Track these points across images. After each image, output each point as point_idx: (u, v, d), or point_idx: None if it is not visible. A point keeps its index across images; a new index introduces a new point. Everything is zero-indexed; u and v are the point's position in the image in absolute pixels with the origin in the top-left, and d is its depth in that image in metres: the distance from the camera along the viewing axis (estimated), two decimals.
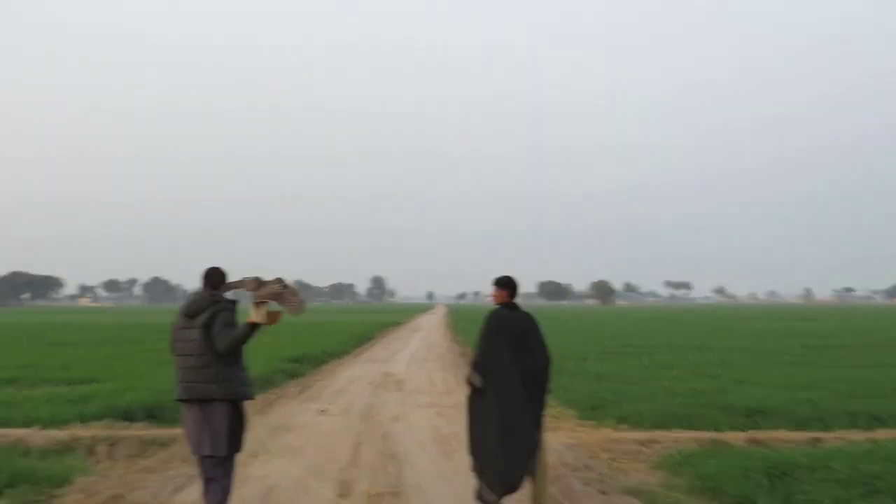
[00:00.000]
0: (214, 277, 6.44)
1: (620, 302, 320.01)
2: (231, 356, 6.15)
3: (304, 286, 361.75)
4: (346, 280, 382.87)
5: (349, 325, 53.84)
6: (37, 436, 10.03)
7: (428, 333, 44.32)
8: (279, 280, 6.48)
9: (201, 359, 6.11)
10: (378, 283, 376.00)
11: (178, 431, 10.41)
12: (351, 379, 18.42)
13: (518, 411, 6.38)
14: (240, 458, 6.72)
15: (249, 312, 6.20)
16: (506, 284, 6.80)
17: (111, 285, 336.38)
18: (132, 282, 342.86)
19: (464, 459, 7.06)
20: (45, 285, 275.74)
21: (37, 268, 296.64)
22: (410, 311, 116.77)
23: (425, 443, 10.11)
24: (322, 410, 12.98)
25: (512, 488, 6.33)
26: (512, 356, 6.46)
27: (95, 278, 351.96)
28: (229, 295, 6.54)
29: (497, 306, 6.77)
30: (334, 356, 25.43)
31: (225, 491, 6.26)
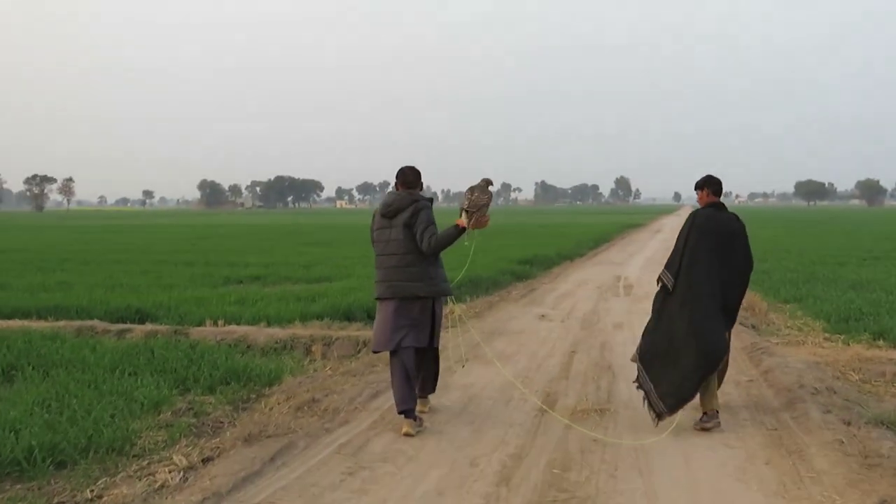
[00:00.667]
0: (408, 176, 6.48)
1: (891, 203, 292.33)
2: (433, 255, 6.25)
3: (547, 188, 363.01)
4: (590, 181, 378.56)
5: (587, 226, 53.00)
6: (261, 333, 10.33)
7: (670, 235, 42.38)
8: (488, 183, 6.56)
9: (405, 258, 6.21)
10: (622, 184, 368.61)
11: None
12: (579, 282, 17.80)
13: (707, 316, 6.21)
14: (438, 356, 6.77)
15: (461, 215, 6.32)
16: (704, 184, 6.58)
17: (365, 188, 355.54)
18: (384, 184, 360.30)
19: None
20: (307, 188, 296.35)
21: (300, 172, 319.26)
22: (654, 213, 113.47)
23: None
24: (542, 315, 12.50)
25: (684, 400, 6.18)
26: (710, 258, 6.28)
27: (351, 181, 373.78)
28: (426, 193, 6.55)
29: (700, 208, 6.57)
30: (567, 258, 24.87)
31: (428, 379, 6.62)
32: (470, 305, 13.10)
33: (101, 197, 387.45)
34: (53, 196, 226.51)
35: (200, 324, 11.17)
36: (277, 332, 10.38)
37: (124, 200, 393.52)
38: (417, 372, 6.53)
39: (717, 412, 6.33)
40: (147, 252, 27.47)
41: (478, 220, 6.31)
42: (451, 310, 9.70)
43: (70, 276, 17.75)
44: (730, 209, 6.63)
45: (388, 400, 6.96)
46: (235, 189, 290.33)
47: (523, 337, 10.59)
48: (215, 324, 11.12)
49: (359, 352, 9.73)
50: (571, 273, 20.30)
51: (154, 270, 19.48)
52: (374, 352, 7.03)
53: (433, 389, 6.87)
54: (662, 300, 6.44)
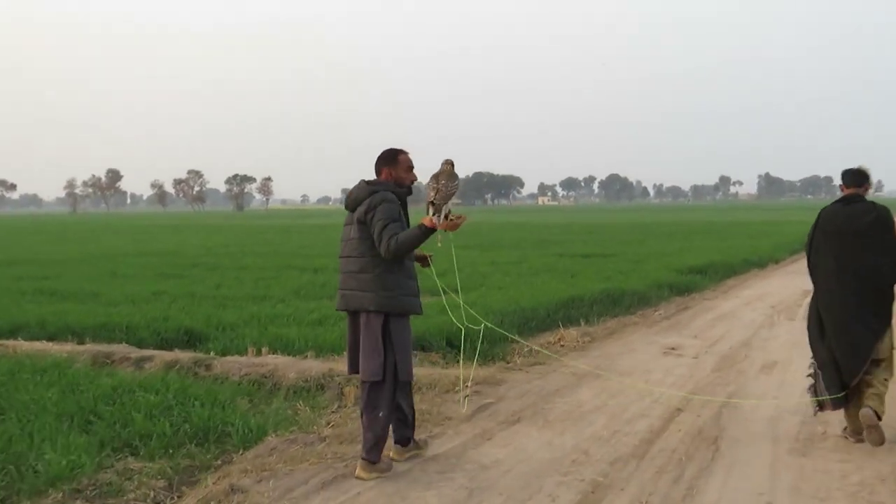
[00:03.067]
0: (379, 163, 5.70)
1: None
2: (395, 260, 5.44)
3: (772, 181, 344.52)
4: (822, 172, 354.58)
5: (802, 224, 48.37)
6: (293, 367, 8.82)
7: None
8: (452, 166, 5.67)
9: (358, 262, 5.51)
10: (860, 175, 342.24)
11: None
12: (752, 298, 15.17)
13: (845, 318, 6.11)
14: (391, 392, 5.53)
15: (427, 211, 5.43)
16: (845, 175, 6.45)
17: (569, 183, 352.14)
18: (590, 179, 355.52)
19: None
20: (507, 185, 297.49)
21: (499, 168, 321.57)
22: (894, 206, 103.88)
23: (780, 434, 6.90)
24: (671, 348, 10.19)
25: (841, 388, 6.14)
26: (839, 255, 6.15)
27: (555, 177, 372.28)
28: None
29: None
30: (756, 265, 21.91)
31: (370, 428, 5.53)
32: (582, 331, 10.98)
33: (304, 195, 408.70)
34: (256, 195, 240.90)
35: (243, 351, 9.84)
36: (313, 367, 8.82)
37: (326, 199, 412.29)
38: (368, 409, 5.60)
39: (879, 419, 6.01)
40: (290, 255, 27.03)
41: (451, 222, 5.38)
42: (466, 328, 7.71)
43: (174, 286, 17.17)
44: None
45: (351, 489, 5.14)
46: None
47: (625, 383, 8.39)
48: (258, 352, 9.75)
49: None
50: (750, 285, 17.62)
51: (272, 278, 18.65)
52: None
53: (406, 441, 5.90)
54: (812, 302, 6.47)
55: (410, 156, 5.76)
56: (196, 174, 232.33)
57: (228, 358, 9.42)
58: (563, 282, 16.21)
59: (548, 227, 52.09)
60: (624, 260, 22.11)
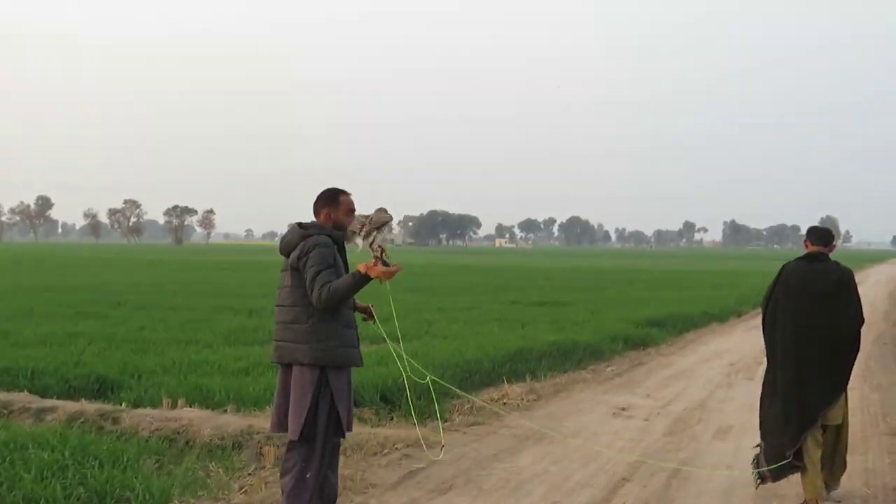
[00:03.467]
0: (318, 203, 5.62)
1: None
2: (328, 309, 5.29)
3: (738, 228, 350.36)
4: (789, 221, 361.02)
5: (768, 275, 48.91)
6: (210, 422, 8.49)
7: (871, 290, 38.00)
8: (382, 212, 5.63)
9: (291, 311, 5.40)
10: (830, 225, 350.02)
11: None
12: (710, 355, 15.15)
13: (800, 377, 6.16)
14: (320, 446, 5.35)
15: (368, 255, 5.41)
16: (811, 233, 6.55)
17: (528, 225, 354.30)
18: (550, 221, 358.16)
19: None
20: (463, 224, 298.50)
21: (455, 207, 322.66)
22: (861, 260, 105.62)
23: None
24: (622, 409, 10.02)
25: (782, 456, 6.17)
26: (798, 314, 6.20)
27: (513, 218, 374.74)
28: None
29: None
30: (717, 318, 21.98)
31: (295, 495, 5.34)
32: (528, 388, 10.79)
33: (249, 230, 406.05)
34: (197, 229, 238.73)
35: (157, 402, 9.48)
36: (231, 422, 8.50)
37: (272, 234, 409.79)
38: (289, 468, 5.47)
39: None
40: (225, 295, 26.56)
41: (386, 270, 5.26)
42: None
43: (93, 326, 16.69)
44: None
45: None
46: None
47: (569, 447, 8.18)
48: (174, 404, 9.39)
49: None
50: (709, 340, 17.65)
51: (203, 320, 18.23)
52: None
53: None
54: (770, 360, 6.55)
55: (353, 197, 5.65)
56: (133, 204, 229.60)
57: (140, 410, 9.05)
58: (512, 332, 16.06)
59: (504, 272, 52.12)
60: (580, 309, 22.07)
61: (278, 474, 5.78)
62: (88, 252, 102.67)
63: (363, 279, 5.19)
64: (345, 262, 5.52)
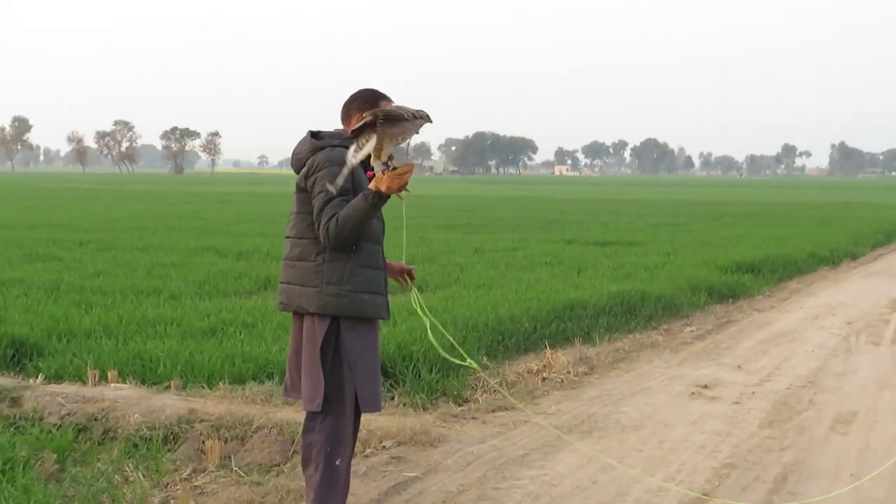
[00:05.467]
0: (350, 106, 5.18)
1: None
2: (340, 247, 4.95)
3: (848, 152, 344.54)
4: None
5: (888, 209, 47.30)
6: (141, 405, 7.53)
7: None
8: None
9: (297, 244, 5.07)
10: None
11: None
12: (822, 309, 13.98)
13: None
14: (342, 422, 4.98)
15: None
16: None
17: (594, 149, 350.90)
18: (620, 145, 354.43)
19: None
20: (515, 149, 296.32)
21: (506, 129, 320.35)
22: None
23: None
24: (702, 387, 8.84)
25: None
26: None
27: (576, 141, 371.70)
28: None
29: None
30: (826, 261, 20.68)
31: (328, 484, 4.98)
32: (578, 355, 9.64)
33: (262, 157, 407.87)
34: (201, 155, 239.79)
35: (82, 375, 8.49)
36: (169, 405, 7.50)
37: (288, 162, 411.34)
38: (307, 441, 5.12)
39: None
40: (213, 233, 25.71)
41: (396, 175, 4.63)
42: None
43: (39, 271, 15.84)
44: None
45: None
46: (422, 149, 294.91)
47: (628, 444, 7.02)
48: (102, 377, 8.40)
49: (291, 457, 6.66)
50: (817, 291, 16.51)
51: (176, 264, 17.32)
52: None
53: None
54: None
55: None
56: (125, 126, 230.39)
57: (52, 387, 8.14)
58: (564, 279, 15.01)
59: (561, 204, 51.02)
60: (652, 250, 20.93)
61: (299, 463, 5.41)
62: (70, 182, 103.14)
63: (377, 199, 4.69)
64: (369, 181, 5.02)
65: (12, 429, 7.14)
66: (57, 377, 8.69)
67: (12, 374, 8.85)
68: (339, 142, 4.97)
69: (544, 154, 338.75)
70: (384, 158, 4.70)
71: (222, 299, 13.11)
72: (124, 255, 19.13)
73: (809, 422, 7.71)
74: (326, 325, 4.93)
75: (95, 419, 7.37)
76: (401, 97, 5.28)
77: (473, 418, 7.64)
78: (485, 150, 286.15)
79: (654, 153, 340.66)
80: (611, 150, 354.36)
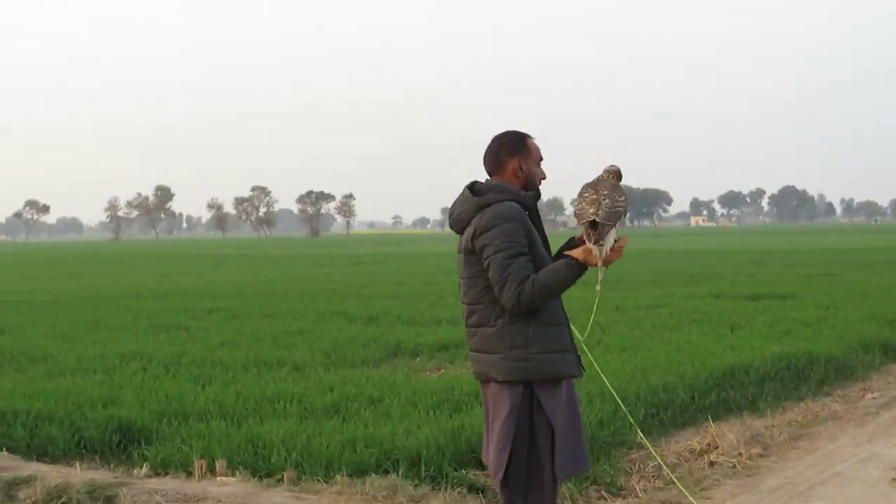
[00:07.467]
0: (485, 156, 5.11)
1: None
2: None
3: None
4: None
5: None
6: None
7: None
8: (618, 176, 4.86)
9: (473, 310, 4.95)
10: None
11: None
12: None
13: None
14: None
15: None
16: None
17: (730, 199, 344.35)
18: (758, 193, 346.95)
19: None
20: (650, 201, 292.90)
21: (640, 180, 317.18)
22: None
23: None
24: None
25: None
26: None
27: (711, 191, 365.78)
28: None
29: None
30: None
31: None
32: (748, 431, 8.38)
33: (396, 217, 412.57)
34: (336, 217, 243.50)
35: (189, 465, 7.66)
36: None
37: (423, 221, 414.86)
38: None
39: None
40: (344, 296, 25.07)
41: (614, 250, 4.70)
42: None
43: (161, 343, 15.30)
44: None
45: None
46: (555, 204, 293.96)
47: None
48: (209, 468, 7.57)
49: None
50: None
51: (302, 332, 16.62)
52: None
53: None
54: None
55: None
56: (262, 191, 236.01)
57: (153, 482, 7.38)
58: (717, 339, 13.71)
59: (701, 256, 49.20)
60: (809, 304, 19.33)
61: None
62: (209, 248, 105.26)
63: (581, 270, 4.67)
64: (542, 234, 4.96)
65: None
66: (163, 466, 8.00)
67: (115, 464, 8.14)
68: (500, 195, 4.83)
69: (679, 205, 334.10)
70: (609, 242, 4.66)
71: (348, 370, 12.30)
72: (251, 323, 18.57)
73: None
74: (516, 392, 4.80)
75: None
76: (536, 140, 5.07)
77: None
78: None
79: (793, 200, 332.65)
80: (748, 199, 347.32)
